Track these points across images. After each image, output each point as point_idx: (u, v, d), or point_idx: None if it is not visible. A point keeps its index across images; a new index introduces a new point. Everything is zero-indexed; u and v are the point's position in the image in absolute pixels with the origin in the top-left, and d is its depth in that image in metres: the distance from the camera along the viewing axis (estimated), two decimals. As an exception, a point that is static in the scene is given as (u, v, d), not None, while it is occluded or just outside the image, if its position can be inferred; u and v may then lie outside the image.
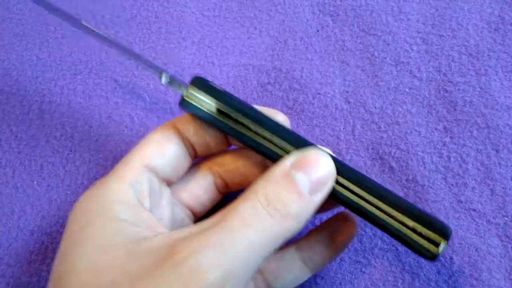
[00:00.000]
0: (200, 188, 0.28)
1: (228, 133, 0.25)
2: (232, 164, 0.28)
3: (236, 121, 0.25)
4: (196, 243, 0.21)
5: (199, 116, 0.25)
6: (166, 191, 0.27)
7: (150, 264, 0.21)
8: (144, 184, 0.25)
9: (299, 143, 0.25)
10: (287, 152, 0.25)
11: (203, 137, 0.26)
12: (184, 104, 0.25)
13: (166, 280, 0.20)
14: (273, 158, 0.25)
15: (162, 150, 0.25)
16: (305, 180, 0.22)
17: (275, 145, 0.25)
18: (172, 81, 0.26)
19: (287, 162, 0.23)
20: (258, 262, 0.21)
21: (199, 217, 0.28)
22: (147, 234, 0.22)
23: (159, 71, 0.27)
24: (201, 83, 0.25)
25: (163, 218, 0.26)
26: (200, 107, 0.25)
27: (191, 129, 0.26)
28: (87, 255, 0.22)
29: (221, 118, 0.25)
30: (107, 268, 0.21)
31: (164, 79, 0.26)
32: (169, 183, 0.27)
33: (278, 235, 0.22)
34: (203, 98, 0.25)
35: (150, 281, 0.20)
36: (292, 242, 0.27)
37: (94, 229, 0.23)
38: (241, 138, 0.25)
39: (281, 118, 0.27)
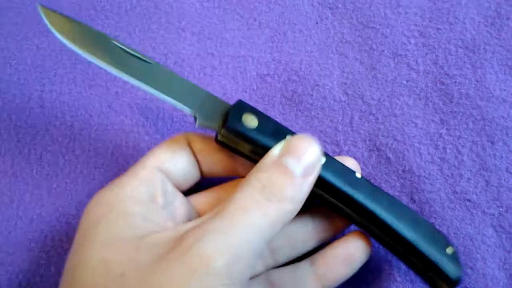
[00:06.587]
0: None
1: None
2: None
3: None
4: (199, 232, 0.21)
5: (234, 151, 0.26)
6: (180, 195, 0.27)
7: (158, 256, 0.21)
8: (157, 183, 0.26)
9: None
10: None
11: (208, 158, 0.27)
12: (218, 142, 0.26)
13: (173, 269, 0.20)
14: None
15: (174, 156, 0.26)
16: (295, 163, 0.23)
17: None
18: (206, 123, 0.26)
19: (275, 150, 0.24)
20: (262, 246, 0.22)
21: None
22: (156, 228, 0.23)
23: (194, 113, 0.26)
24: (234, 130, 0.25)
25: (175, 217, 0.26)
26: (235, 146, 0.26)
27: (198, 147, 0.27)
28: (98, 248, 0.22)
29: (253, 157, 0.26)
30: (117, 261, 0.22)
31: (198, 122, 0.26)
32: (180, 190, 0.28)
33: (277, 218, 0.22)
34: (237, 141, 0.25)
35: (158, 271, 0.20)
36: (307, 257, 0.28)
37: (106, 223, 0.23)
38: None
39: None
